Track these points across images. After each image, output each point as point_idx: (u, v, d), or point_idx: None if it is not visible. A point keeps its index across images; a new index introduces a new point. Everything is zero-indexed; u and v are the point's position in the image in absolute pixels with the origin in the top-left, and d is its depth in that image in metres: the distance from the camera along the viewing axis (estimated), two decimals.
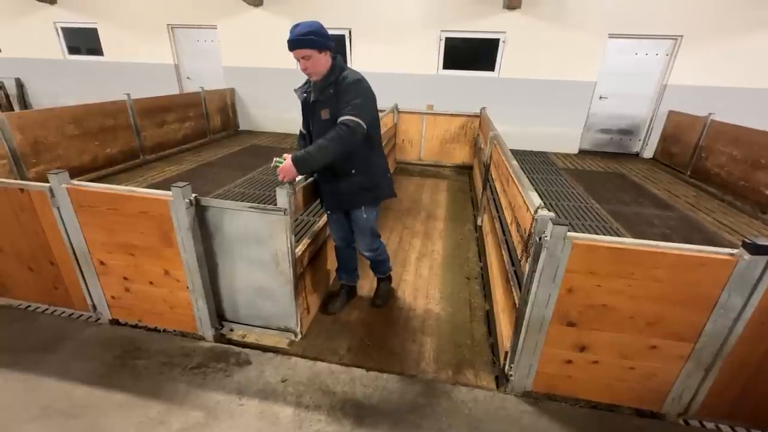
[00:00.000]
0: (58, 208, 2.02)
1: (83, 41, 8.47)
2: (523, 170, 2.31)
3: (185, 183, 1.83)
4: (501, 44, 6.75)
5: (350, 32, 7.18)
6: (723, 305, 1.53)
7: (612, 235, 3.52)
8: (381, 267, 2.60)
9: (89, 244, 2.10)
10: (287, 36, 1.85)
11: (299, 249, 2.17)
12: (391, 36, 7.03)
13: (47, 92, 8.86)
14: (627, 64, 6.64)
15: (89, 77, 8.54)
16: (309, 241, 2.32)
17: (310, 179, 2.24)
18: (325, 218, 2.60)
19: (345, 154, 1.93)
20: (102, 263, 2.15)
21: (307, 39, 1.83)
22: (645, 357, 1.72)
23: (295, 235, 2.03)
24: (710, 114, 5.59)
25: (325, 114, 1.97)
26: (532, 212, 1.69)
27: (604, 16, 6.27)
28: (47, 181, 1.97)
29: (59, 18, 8.24)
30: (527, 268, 1.73)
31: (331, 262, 2.79)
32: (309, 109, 2.08)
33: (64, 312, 2.46)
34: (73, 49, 8.62)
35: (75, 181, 2.01)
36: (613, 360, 1.76)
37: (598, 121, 7.16)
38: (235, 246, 2.01)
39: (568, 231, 1.53)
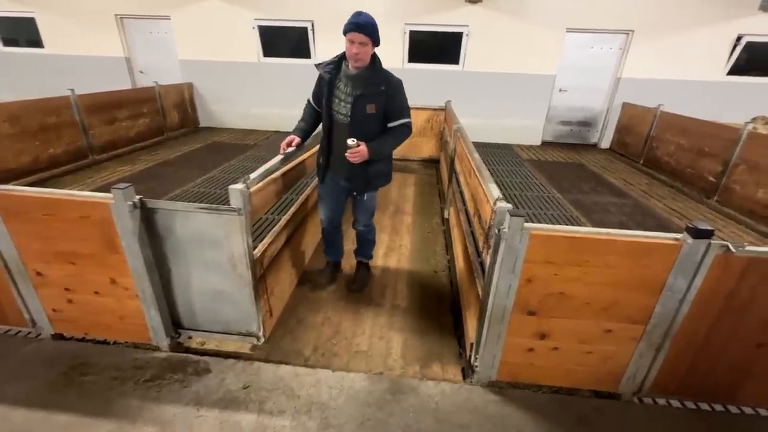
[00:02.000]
0: None
1: (20, 32, 7.76)
2: (488, 162, 2.33)
3: (127, 184, 1.70)
4: (464, 38, 6.80)
5: (312, 24, 7.00)
6: (670, 287, 1.61)
7: (572, 224, 3.65)
8: (367, 247, 2.72)
9: (22, 253, 1.92)
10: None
11: (258, 250, 2.08)
12: None
13: None
14: (584, 58, 6.88)
15: (28, 72, 7.85)
16: (270, 240, 2.23)
17: (270, 176, 2.15)
18: (287, 217, 2.52)
19: None
20: (39, 274, 1.97)
21: (373, 30, 1.98)
22: (601, 341, 1.78)
23: (254, 235, 1.94)
24: (660, 105, 5.90)
25: (371, 108, 2.10)
26: (492, 204, 1.70)
27: (562, 10, 6.45)
28: None
29: None
30: (488, 260, 1.74)
31: (298, 262, 2.72)
32: (330, 91, 2.15)
33: None
34: (8, 41, 7.89)
35: (1, 186, 1.82)
36: (571, 345, 1.81)
37: (559, 114, 7.40)
38: (189, 249, 1.90)
39: (525, 222, 1.55)
